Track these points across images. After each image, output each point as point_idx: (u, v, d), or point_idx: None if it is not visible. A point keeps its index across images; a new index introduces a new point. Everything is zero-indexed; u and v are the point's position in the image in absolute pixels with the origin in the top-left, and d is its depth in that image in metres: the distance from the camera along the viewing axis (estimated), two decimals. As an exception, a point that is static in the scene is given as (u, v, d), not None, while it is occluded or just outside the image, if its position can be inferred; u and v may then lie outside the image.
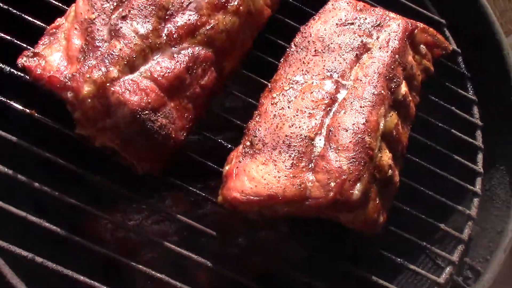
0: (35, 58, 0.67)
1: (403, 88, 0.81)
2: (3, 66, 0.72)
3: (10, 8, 0.76)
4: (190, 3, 0.72)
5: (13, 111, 0.71)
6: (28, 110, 0.71)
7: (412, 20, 0.88)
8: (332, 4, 0.87)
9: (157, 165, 0.70)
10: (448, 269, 0.81)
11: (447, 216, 0.86)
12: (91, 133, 0.67)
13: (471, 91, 0.95)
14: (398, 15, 0.87)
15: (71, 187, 0.80)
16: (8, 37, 0.74)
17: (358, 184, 0.68)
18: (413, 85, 0.85)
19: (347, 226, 0.73)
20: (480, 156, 0.90)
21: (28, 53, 0.68)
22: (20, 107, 0.71)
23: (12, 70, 0.71)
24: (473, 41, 0.97)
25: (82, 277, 0.69)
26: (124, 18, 0.68)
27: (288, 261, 0.96)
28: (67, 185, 0.79)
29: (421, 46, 0.88)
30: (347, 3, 0.87)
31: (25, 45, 0.72)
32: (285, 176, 0.68)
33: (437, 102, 0.91)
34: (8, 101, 0.71)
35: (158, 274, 0.74)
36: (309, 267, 0.85)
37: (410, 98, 0.83)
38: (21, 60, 0.67)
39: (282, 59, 0.82)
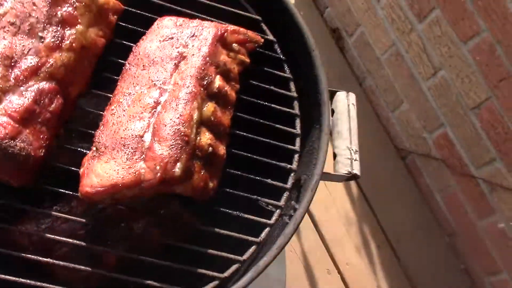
0: None
1: (217, 82, 1.04)
2: None
3: None
4: (30, 49, 0.93)
5: None
6: None
7: (222, 25, 1.11)
8: (157, 24, 1.10)
9: (28, 178, 0.93)
10: (276, 212, 1.06)
11: (274, 174, 1.10)
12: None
13: (287, 71, 1.20)
14: (212, 23, 1.10)
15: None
16: None
17: (178, 164, 0.92)
18: (230, 77, 1.08)
19: (184, 195, 0.97)
20: (298, 121, 1.15)
21: None
22: None
23: None
24: (284, 31, 1.21)
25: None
26: (-24, 71, 0.89)
27: (184, 233, 1.20)
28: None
29: (234, 44, 1.11)
30: (169, 20, 1.10)
31: None
32: (123, 168, 0.92)
33: (258, 84, 1.16)
34: None
35: (73, 265, 0.96)
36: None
37: (227, 88, 1.06)
38: None
39: (119, 76, 1.05)
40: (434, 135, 2.50)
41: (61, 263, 0.97)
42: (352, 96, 1.24)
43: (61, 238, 1.00)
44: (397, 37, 2.52)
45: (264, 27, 1.22)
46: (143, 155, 0.92)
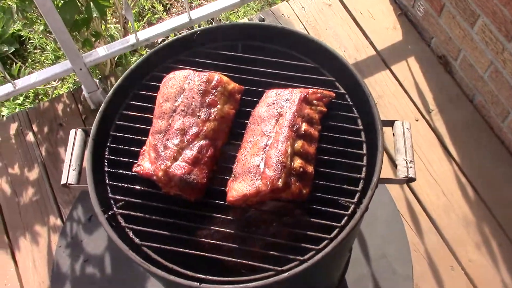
0: (139, 167, 1.68)
1: (303, 127, 1.68)
2: (127, 172, 1.74)
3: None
4: (193, 123, 1.68)
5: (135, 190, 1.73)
6: (142, 188, 1.72)
7: (306, 89, 1.76)
8: (265, 95, 1.79)
9: (199, 195, 1.66)
10: (352, 206, 1.64)
11: (349, 182, 1.71)
12: (167, 190, 1.65)
13: (355, 112, 1.80)
14: (299, 89, 1.76)
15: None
16: (127, 159, 1.77)
17: (280, 179, 1.57)
18: (313, 122, 1.72)
19: (287, 199, 1.63)
20: (364, 145, 1.74)
21: (136, 165, 1.70)
22: (139, 187, 1.72)
23: (131, 173, 1.73)
24: (351, 86, 1.83)
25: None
26: (167, 140, 1.66)
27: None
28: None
29: (314, 101, 1.76)
30: (272, 91, 1.78)
31: (135, 161, 1.74)
32: (248, 185, 1.60)
33: (336, 124, 1.78)
34: (134, 186, 1.73)
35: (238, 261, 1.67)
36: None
37: (311, 130, 1.70)
38: (134, 169, 1.69)
39: (245, 131, 1.76)
40: (540, 139, 2.81)
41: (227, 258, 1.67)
42: (406, 123, 1.80)
43: (224, 229, 1.71)
44: (493, 56, 2.92)
45: (337, 84, 1.85)
46: (260, 176, 1.61)
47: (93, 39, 3.28)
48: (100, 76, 3.47)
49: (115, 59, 3.59)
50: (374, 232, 2.89)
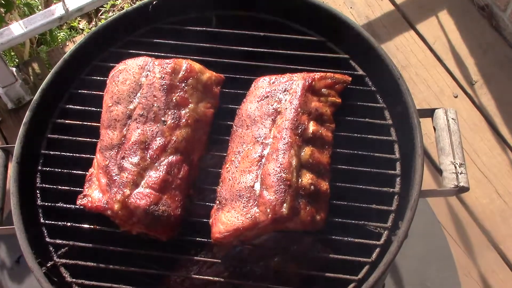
0: (85, 198, 1.62)
1: (311, 128, 1.64)
2: (69, 206, 1.68)
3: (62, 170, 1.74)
4: (157, 132, 1.63)
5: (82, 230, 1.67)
6: (91, 226, 1.66)
7: (310, 75, 1.71)
8: (254, 85, 1.74)
9: (172, 232, 1.61)
10: (385, 233, 1.62)
11: (379, 199, 1.67)
12: (128, 228, 1.60)
13: (381, 101, 1.76)
14: (301, 74, 1.71)
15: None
16: (67, 187, 1.71)
17: (284, 204, 1.53)
18: (324, 119, 1.68)
19: (297, 230, 1.58)
20: (396, 146, 1.70)
21: (81, 196, 1.64)
22: (87, 226, 1.67)
23: (76, 207, 1.67)
24: (371, 65, 1.79)
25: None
26: (123, 158, 1.61)
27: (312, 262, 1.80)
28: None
29: (323, 89, 1.71)
30: (263, 80, 1.73)
31: (79, 189, 1.68)
32: (241, 215, 1.55)
33: (354, 119, 1.74)
34: (80, 225, 1.67)
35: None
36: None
37: (322, 130, 1.65)
38: (79, 202, 1.63)
39: (229, 137, 1.70)
40: None
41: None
42: (452, 111, 1.76)
43: (209, 277, 1.66)
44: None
45: (353, 64, 1.81)
46: (256, 202, 1.56)
47: (3, 11, 3.19)
48: (17, 62, 3.38)
49: (36, 37, 3.50)
50: (408, 251, 2.86)
